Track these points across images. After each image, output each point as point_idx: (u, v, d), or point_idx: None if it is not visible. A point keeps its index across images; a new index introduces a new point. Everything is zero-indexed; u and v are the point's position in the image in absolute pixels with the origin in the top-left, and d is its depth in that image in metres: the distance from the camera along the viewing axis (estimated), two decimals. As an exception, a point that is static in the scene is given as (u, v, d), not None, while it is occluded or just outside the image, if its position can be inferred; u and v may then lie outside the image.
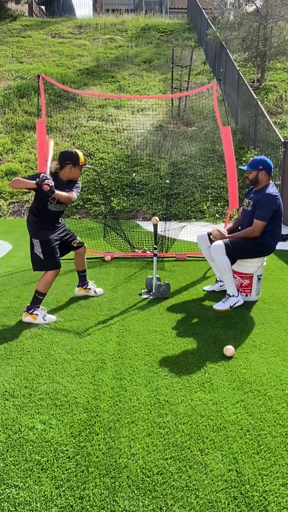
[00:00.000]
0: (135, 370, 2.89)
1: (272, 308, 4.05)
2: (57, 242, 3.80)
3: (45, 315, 3.70)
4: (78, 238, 4.13)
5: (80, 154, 3.83)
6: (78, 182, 3.94)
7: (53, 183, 3.45)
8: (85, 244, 4.21)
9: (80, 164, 3.81)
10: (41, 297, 3.75)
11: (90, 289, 4.35)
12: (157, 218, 4.37)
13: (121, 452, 2.12)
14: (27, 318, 3.69)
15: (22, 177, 3.57)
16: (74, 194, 3.79)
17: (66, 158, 3.78)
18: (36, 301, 3.73)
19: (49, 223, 3.80)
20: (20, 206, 9.80)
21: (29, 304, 3.75)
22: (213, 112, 9.32)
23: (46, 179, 3.41)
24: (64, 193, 3.65)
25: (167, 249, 5.93)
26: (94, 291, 4.36)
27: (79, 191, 3.93)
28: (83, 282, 4.34)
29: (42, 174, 3.48)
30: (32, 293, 4.22)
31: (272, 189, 3.97)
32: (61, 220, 3.98)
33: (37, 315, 3.68)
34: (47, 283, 3.75)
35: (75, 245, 4.08)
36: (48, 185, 3.39)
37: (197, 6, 18.66)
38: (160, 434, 2.25)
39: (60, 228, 3.93)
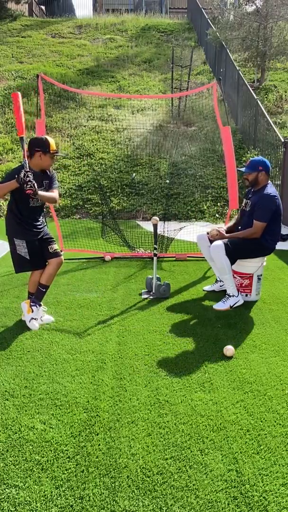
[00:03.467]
0: (135, 370, 2.89)
1: (272, 308, 4.05)
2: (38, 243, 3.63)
3: (34, 319, 3.57)
4: (55, 245, 3.73)
5: (51, 141, 3.52)
6: (53, 174, 3.68)
7: (35, 184, 3.23)
8: (62, 257, 3.72)
9: (51, 151, 3.50)
10: (44, 290, 3.66)
11: (33, 310, 3.64)
12: (157, 218, 4.36)
13: (121, 452, 2.12)
14: (25, 305, 3.62)
15: None
16: (57, 194, 3.59)
17: (36, 145, 3.47)
18: (40, 295, 3.66)
19: (32, 221, 3.58)
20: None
21: (33, 297, 3.67)
22: (213, 112, 9.31)
23: (29, 180, 3.20)
24: (47, 194, 3.48)
25: (166, 248, 5.93)
26: (40, 319, 3.69)
27: (58, 185, 3.72)
28: (33, 297, 3.70)
29: (23, 172, 3.21)
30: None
31: (271, 189, 3.97)
32: (42, 218, 3.74)
33: (32, 311, 3.58)
34: (35, 282, 3.67)
35: (50, 251, 3.65)
36: (31, 189, 3.21)
37: (197, 6, 18.66)
38: (160, 434, 2.25)
39: (42, 229, 3.67)
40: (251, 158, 4.16)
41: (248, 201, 4.08)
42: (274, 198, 3.90)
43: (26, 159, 3.36)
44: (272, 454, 2.10)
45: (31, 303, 3.63)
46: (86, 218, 9.07)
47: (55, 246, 3.71)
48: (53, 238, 3.76)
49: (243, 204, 4.21)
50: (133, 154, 10.99)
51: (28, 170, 3.27)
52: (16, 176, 3.27)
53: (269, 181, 4.07)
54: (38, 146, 3.48)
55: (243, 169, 4.12)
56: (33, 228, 3.59)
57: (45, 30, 18.97)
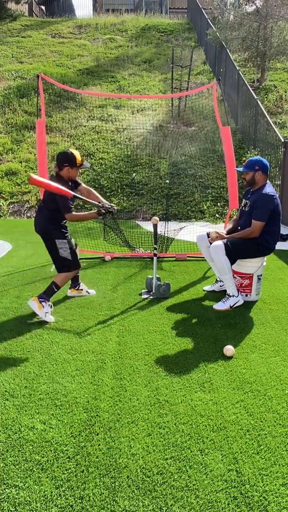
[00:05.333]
0: (135, 370, 2.89)
1: (272, 308, 4.05)
2: None
3: (47, 312, 3.69)
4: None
5: (77, 155, 3.88)
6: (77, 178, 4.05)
7: (114, 207, 3.94)
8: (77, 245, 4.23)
9: (78, 164, 3.89)
10: (56, 290, 3.81)
11: (82, 289, 4.36)
12: (157, 218, 4.36)
13: (121, 452, 2.12)
14: (33, 303, 3.66)
15: (77, 213, 3.87)
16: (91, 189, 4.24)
17: (64, 161, 3.84)
18: (50, 292, 3.77)
19: (65, 225, 3.95)
20: (20, 206, 9.80)
21: (42, 293, 3.75)
22: (213, 112, 9.31)
23: (109, 207, 3.87)
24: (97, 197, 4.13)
25: (166, 248, 5.92)
26: (87, 292, 4.37)
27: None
28: (74, 283, 4.34)
29: (105, 205, 3.86)
30: (32, 293, 4.22)
31: (269, 189, 3.97)
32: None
33: (43, 306, 3.67)
34: (67, 278, 3.89)
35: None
36: (114, 209, 3.93)
37: (197, 6, 18.66)
38: (160, 434, 2.25)
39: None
40: (249, 158, 4.16)
41: (247, 201, 4.08)
42: (272, 197, 3.90)
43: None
44: (272, 454, 2.11)
45: (40, 299, 3.68)
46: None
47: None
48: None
49: (242, 204, 4.21)
50: (133, 154, 10.99)
51: (102, 204, 3.92)
52: (99, 211, 3.82)
53: (268, 181, 4.07)
54: (66, 161, 3.84)
55: (240, 169, 4.13)
56: (66, 230, 3.94)
57: (45, 30, 18.97)
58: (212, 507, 1.80)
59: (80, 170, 4.01)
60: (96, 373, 2.84)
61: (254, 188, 4.05)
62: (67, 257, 3.83)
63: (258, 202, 3.90)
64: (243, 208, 4.15)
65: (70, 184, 3.96)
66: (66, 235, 3.88)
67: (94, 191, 4.19)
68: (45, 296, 3.73)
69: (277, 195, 4.02)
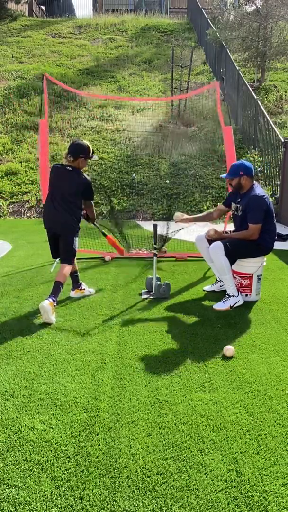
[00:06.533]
0: (135, 370, 2.89)
1: (272, 308, 4.05)
2: None
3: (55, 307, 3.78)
4: None
5: (91, 146, 4.06)
6: (87, 180, 4.09)
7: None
8: None
9: (90, 156, 4.06)
10: (62, 287, 3.88)
11: (84, 289, 4.39)
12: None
13: (121, 452, 2.12)
14: (49, 308, 3.61)
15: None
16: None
17: (80, 152, 3.97)
18: (58, 292, 3.81)
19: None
20: (20, 206, 9.80)
21: (52, 295, 3.74)
22: (213, 112, 9.32)
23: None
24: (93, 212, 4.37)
25: (160, 248, 5.90)
26: (89, 291, 4.41)
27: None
28: (77, 284, 4.37)
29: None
30: (32, 293, 4.23)
31: (258, 190, 3.99)
32: None
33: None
34: (68, 273, 3.98)
35: None
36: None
37: (197, 6, 18.66)
38: (160, 434, 2.25)
39: None
40: (232, 163, 4.17)
41: (238, 205, 4.09)
42: (262, 197, 3.92)
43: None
44: (272, 454, 2.10)
45: (52, 299, 3.69)
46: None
47: None
48: None
49: (233, 209, 4.21)
50: (133, 154, 10.99)
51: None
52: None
53: (255, 182, 4.08)
54: (83, 153, 3.99)
55: (224, 176, 4.13)
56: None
57: (45, 30, 18.97)
58: (212, 507, 1.80)
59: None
60: (96, 373, 2.84)
61: (243, 192, 4.06)
62: (76, 248, 4.06)
63: (251, 205, 3.91)
64: (235, 213, 4.16)
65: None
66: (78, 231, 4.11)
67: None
68: (55, 298, 3.75)
69: (267, 195, 4.04)
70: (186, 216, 4.47)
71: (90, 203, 4.20)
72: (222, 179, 4.36)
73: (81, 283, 4.38)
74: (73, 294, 4.35)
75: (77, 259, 5.65)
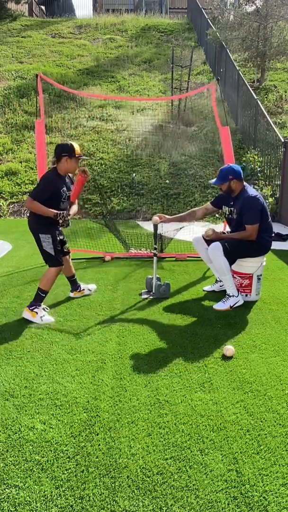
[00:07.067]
0: (135, 370, 2.89)
1: (272, 308, 4.05)
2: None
3: (43, 316, 3.69)
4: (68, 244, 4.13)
5: (76, 145, 3.77)
6: (73, 178, 3.96)
7: (70, 223, 3.76)
8: (70, 252, 4.21)
9: (76, 155, 3.75)
10: (43, 295, 3.75)
11: (83, 289, 4.34)
12: (157, 218, 4.36)
13: (121, 452, 2.12)
14: (26, 314, 3.69)
15: (32, 197, 3.68)
16: (77, 206, 4.01)
17: (62, 151, 3.73)
18: (38, 298, 3.74)
19: (52, 222, 3.78)
20: (20, 206, 9.80)
21: (32, 301, 3.75)
22: (212, 112, 9.31)
23: (67, 221, 3.72)
24: (75, 210, 3.91)
25: (163, 248, 5.91)
26: (88, 289, 4.37)
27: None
28: (75, 286, 4.31)
29: (63, 214, 3.66)
30: (32, 293, 4.21)
31: (250, 191, 4.00)
32: None
33: (36, 313, 3.67)
34: (50, 280, 3.75)
35: (65, 250, 4.04)
36: (64, 225, 3.74)
37: (197, 6, 18.65)
38: (160, 434, 2.25)
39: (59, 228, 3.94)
40: (220, 168, 4.13)
41: (233, 208, 4.08)
42: (256, 198, 3.94)
43: (69, 212, 3.77)
44: (272, 454, 2.10)
45: (30, 308, 3.69)
46: (86, 218, 9.07)
47: (67, 245, 4.10)
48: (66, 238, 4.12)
49: (227, 212, 4.19)
50: (133, 154, 10.99)
51: (68, 213, 3.73)
52: (57, 214, 3.63)
53: (245, 183, 4.08)
54: (64, 151, 3.73)
55: (213, 181, 4.10)
56: (55, 226, 3.78)
57: (45, 30, 18.96)
58: (212, 507, 1.80)
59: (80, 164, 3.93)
60: (96, 373, 2.84)
61: (234, 195, 4.06)
62: (50, 252, 3.74)
63: (246, 207, 3.92)
64: (230, 216, 4.15)
65: (67, 180, 3.87)
66: (51, 231, 3.74)
67: (75, 205, 4.00)
68: (34, 303, 3.72)
69: (259, 194, 4.05)
70: (165, 217, 4.34)
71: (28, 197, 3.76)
72: (215, 186, 4.29)
73: (79, 285, 4.32)
74: (72, 295, 4.32)
75: (77, 259, 5.69)
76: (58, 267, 3.80)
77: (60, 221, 3.67)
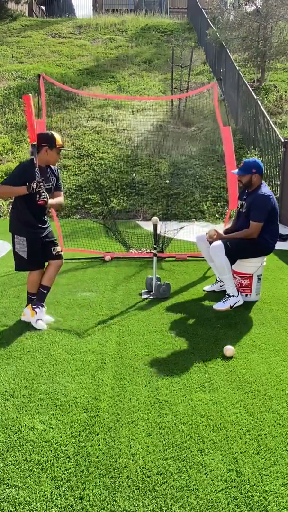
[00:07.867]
0: (135, 370, 2.89)
1: (272, 308, 4.05)
2: (41, 243, 3.61)
3: (40, 319, 3.56)
4: (59, 247, 3.76)
5: (57, 136, 3.55)
6: (59, 172, 3.74)
7: (47, 196, 3.33)
8: (62, 259, 3.78)
9: (57, 146, 3.53)
10: (33, 297, 3.69)
11: (26, 315, 3.66)
12: (157, 218, 4.36)
13: (121, 452, 2.12)
14: (27, 310, 3.64)
15: (4, 184, 3.37)
16: (63, 198, 3.73)
17: (42, 140, 3.49)
18: (30, 300, 3.71)
19: (37, 218, 3.57)
20: (20, 206, 9.80)
21: (36, 299, 3.69)
22: (213, 112, 9.32)
23: (42, 192, 3.29)
24: (55, 202, 3.58)
25: (164, 248, 5.92)
26: (35, 322, 3.61)
27: (63, 186, 3.74)
28: (34, 301, 3.67)
29: (35, 182, 3.28)
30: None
31: (265, 189, 3.99)
32: (47, 217, 3.72)
33: (36, 312, 3.59)
34: (34, 282, 3.65)
35: (53, 253, 3.67)
36: (44, 200, 3.30)
37: (197, 6, 18.65)
38: (160, 434, 2.25)
39: (46, 228, 3.66)
40: (244, 160, 4.16)
41: (244, 202, 4.09)
42: (268, 197, 3.92)
43: (37, 167, 3.40)
44: (272, 454, 2.10)
45: (33, 306, 3.64)
46: (86, 218, 9.07)
47: (58, 248, 3.74)
48: (56, 239, 3.81)
49: (238, 206, 4.22)
50: (133, 154, 10.99)
51: (40, 180, 3.32)
52: (28, 184, 3.30)
53: (263, 181, 4.09)
54: (45, 141, 3.50)
55: (236, 171, 4.13)
56: (37, 226, 3.58)
57: (45, 30, 18.96)
58: (212, 507, 1.80)
59: (60, 156, 3.61)
60: (96, 373, 2.84)
61: (250, 190, 4.07)
62: (22, 255, 3.53)
63: (255, 203, 3.91)
64: (240, 209, 4.16)
65: (48, 172, 3.59)
66: (29, 233, 3.50)
67: (60, 197, 3.72)
68: (38, 302, 3.65)
69: (273, 194, 4.04)
70: (221, 235, 4.03)
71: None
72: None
73: (37, 305, 3.63)
74: (25, 310, 3.69)
75: (77, 259, 5.69)
76: (40, 270, 3.62)
77: (38, 196, 3.30)
